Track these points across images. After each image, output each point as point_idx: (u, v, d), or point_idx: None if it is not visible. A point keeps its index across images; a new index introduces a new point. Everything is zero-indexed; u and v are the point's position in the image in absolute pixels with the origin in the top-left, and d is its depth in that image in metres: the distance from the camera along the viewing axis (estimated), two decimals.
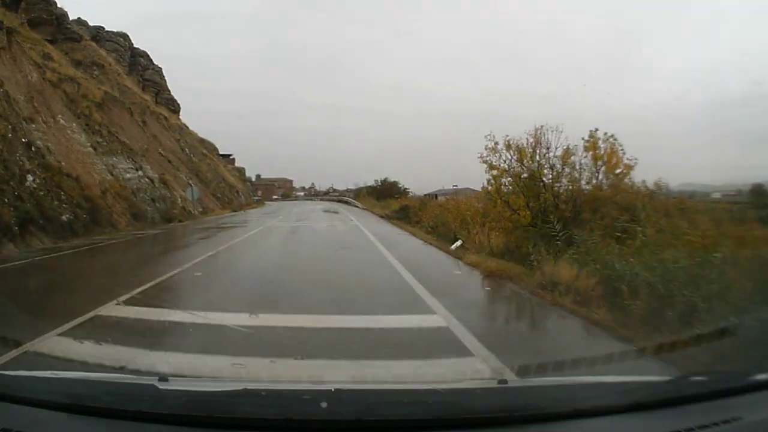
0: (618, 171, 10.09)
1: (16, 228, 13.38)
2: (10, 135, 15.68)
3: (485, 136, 10.67)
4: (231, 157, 76.86)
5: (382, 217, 28.38)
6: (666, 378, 1.93)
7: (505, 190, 11.02)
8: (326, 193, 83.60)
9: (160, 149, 34.53)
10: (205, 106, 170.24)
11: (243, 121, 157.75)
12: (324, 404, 1.55)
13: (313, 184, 61.52)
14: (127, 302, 6.15)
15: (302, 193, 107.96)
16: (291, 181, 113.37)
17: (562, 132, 9.99)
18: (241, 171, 74.60)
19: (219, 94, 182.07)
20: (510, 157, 10.59)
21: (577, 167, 10.10)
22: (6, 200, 13.69)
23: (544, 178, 10.20)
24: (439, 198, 33.62)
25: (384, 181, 56.25)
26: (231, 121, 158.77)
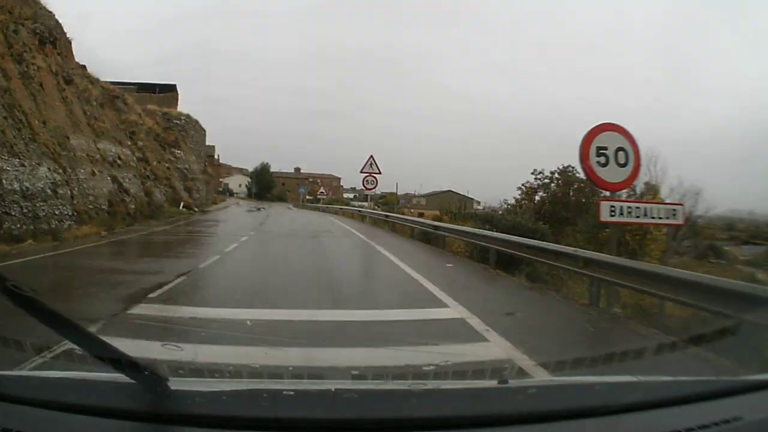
0: None
1: None
2: None
3: None
4: (171, 92, 44.73)
5: None
6: (666, 378, 1.93)
7: None
8: (384, 199, 41.37)
9: None
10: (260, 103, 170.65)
11: (298, 121, 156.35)
12: (325, 404, 1.56)
13: (375, 173, 23.42)
14: None
15: (352, 195, 77.63)
16: (338, 179, 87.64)
17: None
18: (173, 118, 38.85)
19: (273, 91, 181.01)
20: None
21: None
22: None
23: None
24: None
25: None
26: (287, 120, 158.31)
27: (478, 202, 31.64)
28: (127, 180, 23.08)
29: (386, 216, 24.68)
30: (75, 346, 1.75)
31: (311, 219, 31.77)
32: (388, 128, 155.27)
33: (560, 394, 1.85)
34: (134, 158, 25.93)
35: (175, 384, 1.81)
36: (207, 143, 56.90)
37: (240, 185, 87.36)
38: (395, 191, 41.05)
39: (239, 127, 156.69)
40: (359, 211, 32.21)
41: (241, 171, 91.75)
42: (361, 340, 5.16)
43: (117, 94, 29.17)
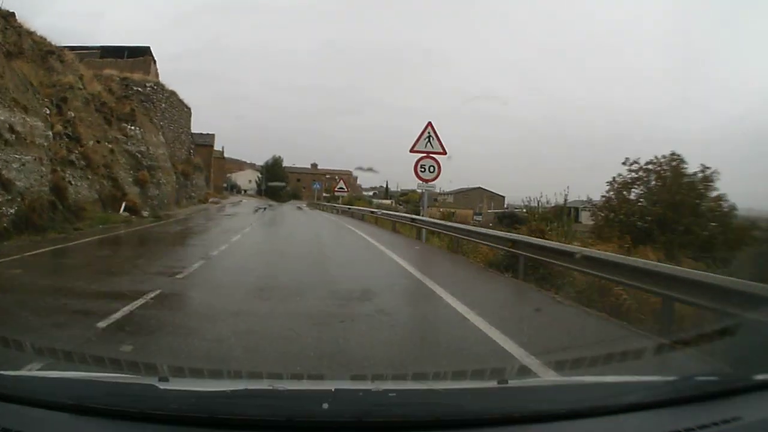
0: None
1: None
2: None
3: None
4: (143, 56, 33.92)
5: None
6: (666, 378, 1.92)
7: None
8: (405, 197, 30.90)
9: None
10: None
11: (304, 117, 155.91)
12: (325, 405, 1.55)
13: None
14: None
15: (371, 194, 69.85)
16: (356, 177, 75.34)
17: None
18: (134, 84, 28.91)
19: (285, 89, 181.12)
20: None
21: None
22: None
23: None
24: None
25: None
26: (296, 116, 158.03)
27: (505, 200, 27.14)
28: (15, 166, 13.71)
29: (512, 243, 9.23)
30: (75, 347, 1.76)
31: (322, 234, 18.62)
32: (400, 126, 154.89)
33: (560, 394, 1.85)
34: (49, 134, 16.51)
35: (175, 384, 1.83)
36: (208, 132, 51.55)
37: (250, 181, 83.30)
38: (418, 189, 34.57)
39: (254, 125, 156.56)
40: (412, 220, 17.26)
41: (252, 166, 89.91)
42: None
43: (51, 50, 20.83)
